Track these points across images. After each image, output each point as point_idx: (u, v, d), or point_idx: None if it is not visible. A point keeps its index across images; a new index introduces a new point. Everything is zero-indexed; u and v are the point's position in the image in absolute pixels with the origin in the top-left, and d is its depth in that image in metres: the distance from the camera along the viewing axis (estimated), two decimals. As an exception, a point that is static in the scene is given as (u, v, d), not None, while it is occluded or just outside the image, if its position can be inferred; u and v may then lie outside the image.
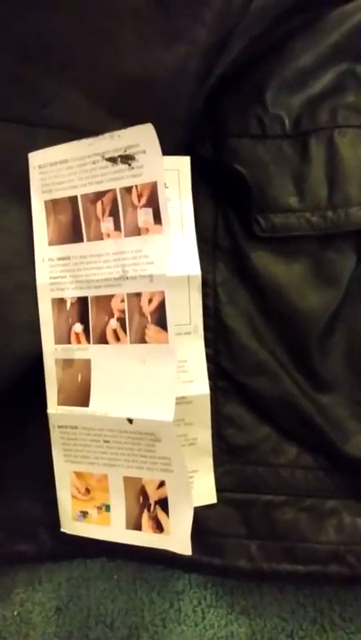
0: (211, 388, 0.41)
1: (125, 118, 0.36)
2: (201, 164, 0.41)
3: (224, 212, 0.43)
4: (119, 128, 0.36)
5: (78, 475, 0.40)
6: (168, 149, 0.35)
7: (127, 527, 0.39)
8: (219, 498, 0.42)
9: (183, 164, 0.39)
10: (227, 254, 0.43)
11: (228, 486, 0.42)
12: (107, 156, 0.36)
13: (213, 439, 0.42)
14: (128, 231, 0.36)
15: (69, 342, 0.39)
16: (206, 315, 0.41)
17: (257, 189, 0.40)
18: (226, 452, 0.43)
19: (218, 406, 0.42)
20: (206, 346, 0.41)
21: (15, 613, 0.46)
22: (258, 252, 0.42)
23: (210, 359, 0.42)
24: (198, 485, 0.41)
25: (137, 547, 0.39)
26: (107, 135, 0.35)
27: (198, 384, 0.40)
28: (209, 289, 0.42)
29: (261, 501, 0.42)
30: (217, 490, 0.42)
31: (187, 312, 0.40)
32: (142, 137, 0.34)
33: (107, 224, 0.37)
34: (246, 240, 0.42)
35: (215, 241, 0.43)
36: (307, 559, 0.42)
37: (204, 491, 0.41)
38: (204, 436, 0.41)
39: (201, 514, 0.40)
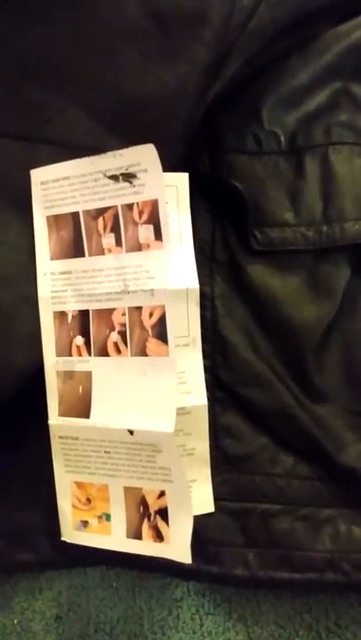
0: (208, 399, 0.41)
1: (125, 135, 0.37)
2: (199, 179, 0.42)
3: (221, 226, 0.43)
4: (119, 145, 0.36)
5: (79, 485, 0.40)
6: (166, 166, 0.36)
7: (128, 536, 0.39)
8: (216, 507, 0.42)
9: (182, 180, 0.40)
10: (224, 267, 0.43)
11: (226, 495, 0.43)
12: (108, 173, 0.37)
13: (211, 449, 0.42)
14: (129, 247, 0.37)
15: (70, 355, 0.39)
16: (204, 327, 0.42)
17: (253, 204, 0.41)
18: (223, 462, 0.43)
19: (215, 417, 0.43)
20: (204, 357, 0.42)
21: (15, 622, 0.46)
22: (254, 266, 0.42)
23: (207, 370, 0.42)
24: (196, 495, 0.42)
25: (136, 555, 0.39)
26: (109, 154, 0.36)
27: (196, 395, 0.41)
28: (207, 301, 0.43)
29: (258, 510, 0.43)
30: (214, 499, 0.42)
31: (185, 324, 0.41)
32: (144, 156, 0.35)
33: (108, 239, 0.38)
34: (243, 253, 0.42)
35: (213, 254, 0.44)
36: (303, 567, 0.42)
37: (202, 500, 0.42)
38: (202, 446, 0.42)
39: (199, 523, 0.40)
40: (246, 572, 0.43)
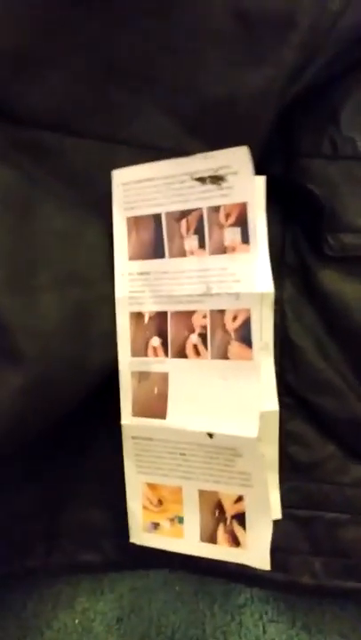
0: (277, 405, 0.41)
1: (205, 138, 0.37)
2: (269, 181, 0.41)
3: (292, 230, 0.43)
4: (199, 147, 0.36)
5: (151, 486, 0.40)
6: None
7: (201, 540, 0.39)
8: (283, 514, 0.42)
9: (259, 183, 0.40)
10: (294, 272, 0.43)
11: (293, 503, 0.42)
12: (196, 175, 0.36)
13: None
14: (213, 249, 0.37)
15: (146, 355, 0.39)
16: (273, 331, 0.42)
17: (328, 209, 0.41)
18: (290, 469, 0.43)
19: (283, 422, 0.43)
20: (271, 362, 0.41)
21: (77, 622, 0.46)
22: (325, 271, 0.42)
23: (275, 375, 0.42)
24: (264, 501, 0.41)
25: (200, 559, 0.39)
26: (198, 155, 0.36)
27: (268, 400, 0.41)
28: (276, 306, 0.42)
29: (325, 519, 0.42)
30: (281, 506, 0.42)
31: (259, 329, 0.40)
32: (236, 158, 0.35)
33: (191, 241, 0.38)
34: (314, 258, 0.42)
35: (282, 258, 0.43)
36: (368, 577, 0.42)
37: (270, 506, 0.42)
38: (272, 451, 0.41)
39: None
40: (313, 580, 0.42)
